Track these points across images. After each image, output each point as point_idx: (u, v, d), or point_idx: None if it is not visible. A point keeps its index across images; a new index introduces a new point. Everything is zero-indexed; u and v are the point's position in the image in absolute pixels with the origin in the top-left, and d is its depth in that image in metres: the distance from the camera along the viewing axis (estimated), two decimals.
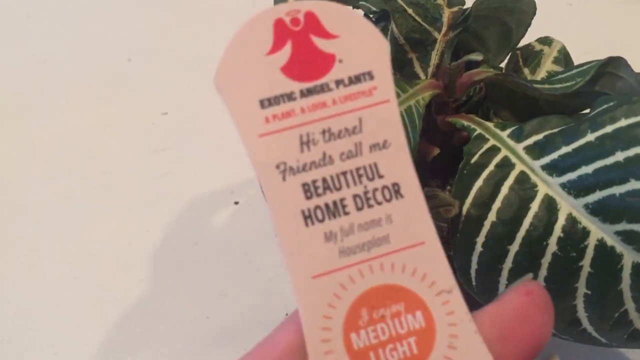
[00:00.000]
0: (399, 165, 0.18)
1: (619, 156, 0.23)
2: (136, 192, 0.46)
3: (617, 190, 0.22)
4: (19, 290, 0.40)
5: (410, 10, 0.29)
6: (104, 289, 0.40)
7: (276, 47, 0.18)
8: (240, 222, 0.44)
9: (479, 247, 0.25)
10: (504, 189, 0.25)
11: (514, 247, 0.24)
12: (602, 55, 0.27)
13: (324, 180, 0.17)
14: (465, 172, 0.26)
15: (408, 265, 0.17)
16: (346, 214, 0.17)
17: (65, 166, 0.48)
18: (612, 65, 0.26)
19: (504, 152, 0.26)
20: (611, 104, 0.24)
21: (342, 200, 0.17)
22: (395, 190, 0.18)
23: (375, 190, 0.18)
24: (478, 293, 0.26)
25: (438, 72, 0.30)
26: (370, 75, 0.18)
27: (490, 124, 0.27)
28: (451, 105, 0.30)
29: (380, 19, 0.30)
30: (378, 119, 0.18)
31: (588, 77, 0.26)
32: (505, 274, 0.25)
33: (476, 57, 0.28)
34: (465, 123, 0.28)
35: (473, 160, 0.26)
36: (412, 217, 0.18)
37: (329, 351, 0.17)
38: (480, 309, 0.18)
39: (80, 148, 0.49)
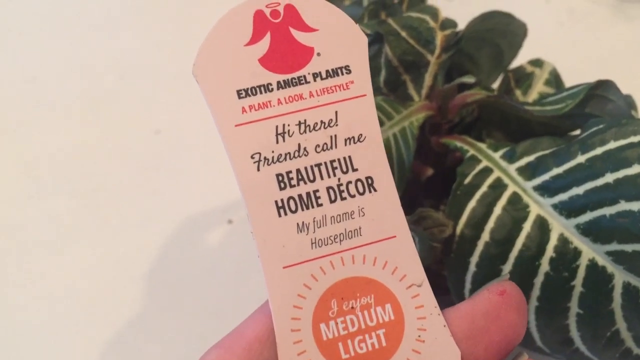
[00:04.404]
0: (373, 159, 0.18)
1: (609, 177, 0.23)
2: (128, 210, 0.46)
3: (608, 211, 0.23)
4: (8, 310, 0.40)
5: (403, 33, 0.29)
6: (95, 308, 0.40)
7: (255, 38, 0.18)
8: (234, 241, 0.44)
9: (472, 267, 0.25)
10: (497, 210, 0.25)
11: (507, 267, 0.25)
12: (593, 74, 0.27)
13: (298, 171, 0.17)
14: (458, 192, 0.27)
15: (379, 258, 0.17)
16: (319, 205, 0.17)
17: (55, 184, 0.48)
18: (602, 88, 0.27)
19: (496, 173, 0.26)
20: (601, 126, 0.25)
21: (315, 192, 0.17)
22: (369, 184, 0.18)
23: (349, 183, 0.18)
24: None
25: (431, 93, 0.30)
26: (347, 70, 0.18)
27: (483, 145, 0.28)
28: (444, 127, 0.30)
29: (374, 42, 0.30)
30: (354, 112, 0.18)
31: (578, 100, 0.27)
32: None
33: (468, 79, 0.29)
34: (459, 144, 0.28)
35: (466, 181, 0.27)
36: (384, 210, 0.18)
37: (298, 341, 0.17)
38: (453, 306, 0.18)
39: (71, 166, 0.49)
